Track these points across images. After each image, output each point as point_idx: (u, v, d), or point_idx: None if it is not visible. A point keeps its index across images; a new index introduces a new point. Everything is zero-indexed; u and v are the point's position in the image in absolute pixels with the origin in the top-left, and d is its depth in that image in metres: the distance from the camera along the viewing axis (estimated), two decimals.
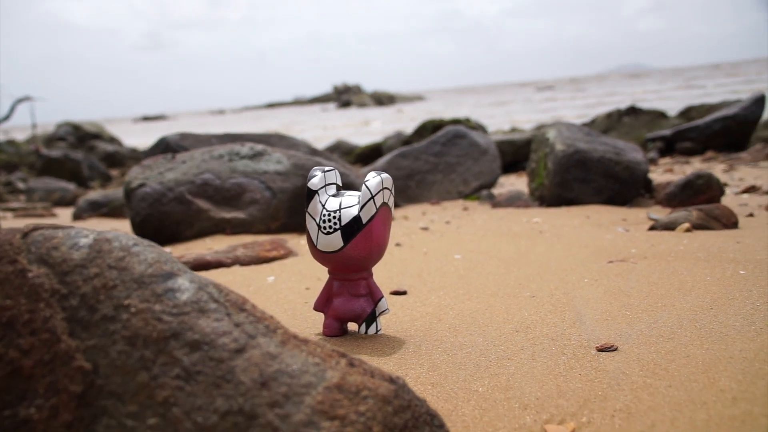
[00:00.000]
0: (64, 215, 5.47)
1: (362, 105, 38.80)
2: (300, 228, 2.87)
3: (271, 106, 73.62)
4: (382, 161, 4.27)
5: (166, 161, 3.00)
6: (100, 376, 0.71)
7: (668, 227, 2.46)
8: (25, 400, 0.71)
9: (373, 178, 1.24)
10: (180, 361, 0.70)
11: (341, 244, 1.23)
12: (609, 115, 8.49)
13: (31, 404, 0.71)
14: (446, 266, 1.98)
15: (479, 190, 4.31)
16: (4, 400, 0.72)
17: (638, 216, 2.87)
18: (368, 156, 8.66)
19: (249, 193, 2.84)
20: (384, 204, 1.25)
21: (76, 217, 4.68)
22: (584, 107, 17.91)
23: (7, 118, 13.73)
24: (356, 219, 1.22)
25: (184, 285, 0.75)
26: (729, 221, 2.50)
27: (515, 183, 5.29)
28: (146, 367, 0.71)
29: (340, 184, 1.32)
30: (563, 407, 0.94)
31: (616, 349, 1.15)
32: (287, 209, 2.84)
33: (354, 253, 1.23)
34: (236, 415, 0.67)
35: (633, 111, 8.31)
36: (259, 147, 2.99)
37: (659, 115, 8.20)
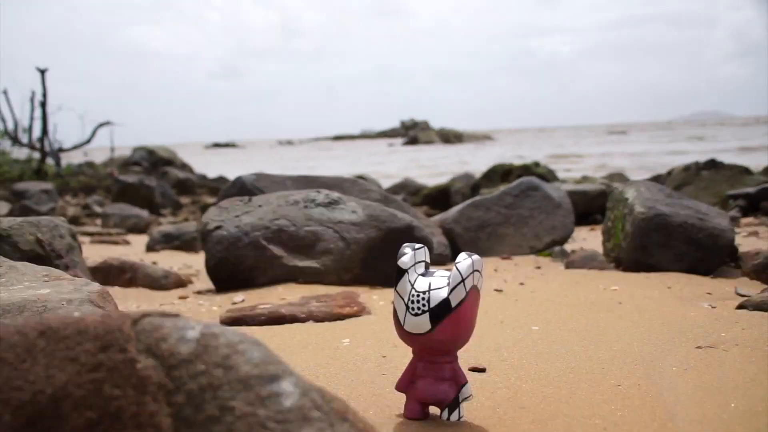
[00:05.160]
0: (137, 242, 5.64)
1: (429, 142, 38.98)
2: (372, 281, 2.86)
3: (338, 138, 74.71)
4: (453, 211, 4.25)
5: (243, 204, 3.06)
6: None
7: (760, 307, 2.33)
8: None
9: (464, 260, 1.22)
10: None
11: (429, 326, 1.21)
12: (687, 168, 8.23)
13: None
14: (524, 339, 1.93)
15: (551, 246, 4.23)
16: None
17: (724, 289, 2.75)
18: (435, 198, 8.66)
19: (323, 242, 2.86)
20: (473, 287, 1.23)
21: (149, 248, 4.80)
22: (660, 155, 17.49)
23: (88, 141, 14.35)
24: (445, 302, 1.20)
25: (288, 389, 0.74)
26: None
27: (587, 238, 5.16)
28: None
29: (429, 262, 1.31)
30: None
31: None
32: (360, 261, 2.84)
33: (441, 336, 1.21)
34: None
35: (713, 165, 8.02)
36: (335, 195, 3.01)
37: (742, 171, 7.87)
